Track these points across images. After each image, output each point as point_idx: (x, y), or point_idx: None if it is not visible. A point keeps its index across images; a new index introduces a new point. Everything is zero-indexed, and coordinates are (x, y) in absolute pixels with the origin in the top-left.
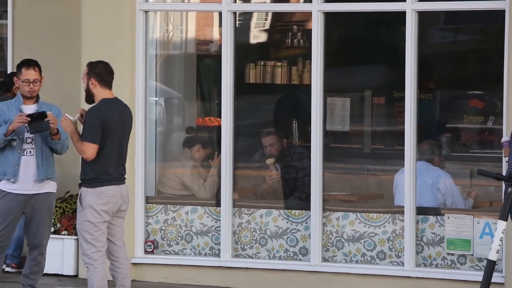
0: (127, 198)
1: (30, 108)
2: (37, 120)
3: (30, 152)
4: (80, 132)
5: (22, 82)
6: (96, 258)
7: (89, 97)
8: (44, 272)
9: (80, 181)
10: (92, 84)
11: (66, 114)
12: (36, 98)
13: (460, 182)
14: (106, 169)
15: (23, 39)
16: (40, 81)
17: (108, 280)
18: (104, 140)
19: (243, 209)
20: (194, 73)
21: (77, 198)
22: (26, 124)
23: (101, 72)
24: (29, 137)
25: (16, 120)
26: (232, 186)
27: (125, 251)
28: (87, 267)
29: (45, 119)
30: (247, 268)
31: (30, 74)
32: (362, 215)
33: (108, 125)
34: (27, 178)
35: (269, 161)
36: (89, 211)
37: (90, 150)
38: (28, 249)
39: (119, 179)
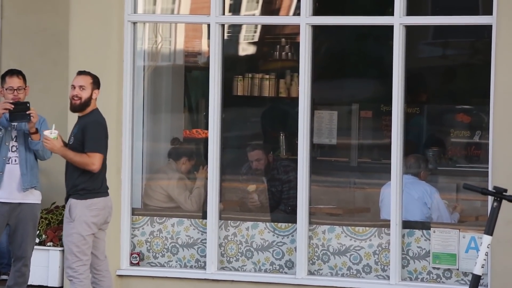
0: (112, 210)
1: None
2: (19, 111)
3: (15, 160)
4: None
5: (6, 89)
6: (81, 271)
7: (83, 107)
8: (29, 283)
9: (68, 193)
10: (94, 95)
11: (45, 133)
12: None
13: (446, 196)
14: (100, 180)
15: (11, 49)
16: (25, 89)
17: None
18: (105, 152)
19: (229, 221)
20: (182, 85)
21: (63, 210)
22: (8, 113)
23: (99, 85)
24: (14, 145)
25: (0, 106)
26: (218, 199)
27: (107, 263)
28: (71, 280)
29: (27, 112)
30: (233, 281)
31: (13, 81)
32: (348, 229)
33: (107, 136)
34: (11, 187)
35: (251, 188)
36: (79, 223)
37: (99, 160)
38: (12, 260)
39: (107, 190)
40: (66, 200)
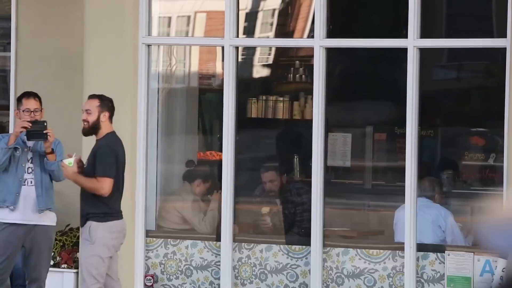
0: (126, 232)
1: None
2: (36, 130)
3: (31, 182)
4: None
5: (23, 111)
6: None
7: (94, 130)
8: None
9: (86, 216)
10: (104, 117)
11: (63, 161)
12: None
13: (461, 219)
14: (116, 203)
15: (26, 72)
16: (41, 111)
17: None
18: (116, 175)
19: (243, 243)
20: (196, 107)
21: (77, 231)
22: (25, 132)
23: (112, 107)
24: (30, 167)
25: (18, 125)
26: (232, 221)
27: (120, 285)
28: None
29: (44, 131)
30: None
31: (30, 103)
32: (362, 251)
33: (118, 159)
34: (26, 208)
35: (265, 210)
36: (99, 246)
37: (108, 185)
38: (27, 282)
39: (121, 213)
40: (84, 222)
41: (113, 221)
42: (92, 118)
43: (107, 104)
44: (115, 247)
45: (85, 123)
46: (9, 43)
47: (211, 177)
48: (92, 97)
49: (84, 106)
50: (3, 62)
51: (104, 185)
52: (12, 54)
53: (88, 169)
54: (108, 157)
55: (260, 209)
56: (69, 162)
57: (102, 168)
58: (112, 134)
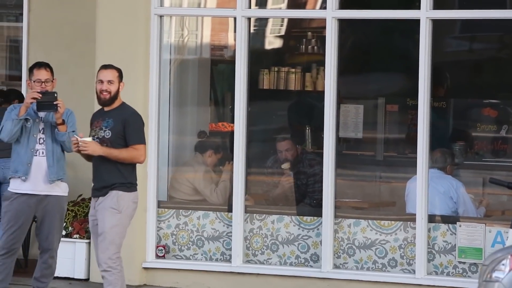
0: None
1: None
2: (46, 101)
3: (42, 152)
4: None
5: (34, 82)
6: (119, 262)
7: (112, 101)
8: (55, 275)
9: (112, 185)
10: (121, 88)
11: (80, 140)
12: None
13: (473, 190)
14: (135, 174)
15: (38, 42)
16: (52, 81)
17: None
18: None
19: (254, 214)
20: (208, 78)
21: (89, 202)
22: (35, 103)
23: None
24: (42, 138)
25: (28, 96)
26: (244, 192)
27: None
28: (109, 270)
29: (54, 102)
30: (258, 274)
31: (41, 74)
32: (373, 222)
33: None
34: (38, 179)
35: (285, 165)
36: (125, 215)
37: (145, 152)
38: (39, 252)
39: None
40: (107, 192)
41: (135, 192)
42: (114, 89)
43: (122, 75)
44: (131, 218)
45: (105, 93)
46: (21, 14)
47: (223, 148)
48: (110, 67)
49: (105, 77)
50: (15, 33)
51: (143, 152)
52: (24, 24)
53: (113, 139)
54: (141, 125)
55: (272, 180)
56: (88, 139)
57: (137, 136)
58: (127, 104)
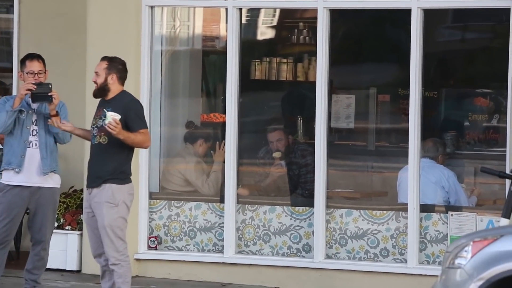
0: None
1: None
2: (41, 92)
3: (35, 144)
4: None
5: (27, 73)
6: (127, 254)
7: (103, 92)
8: (47, 267)
9: (104, 178)
10: (111, 79)
11: (114, 116)
12: None
13: (464, 179)
14: (130, 164)
15: (29, 34)
16: (45, 73)
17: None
18: None
19: (246, 205)
20: (200, 69)
21: (81, 193)
22: (30, 94)
23: (122, 69)
24: (35, 129)
25: (23, 87)
26: (236, 183)
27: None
28: (118, 263)
29: (49, 93)
30: (251, 264)
31: (34, 65)
32: (365, 212)
33: None
34: (31, 170)
35: (277, 154)
36: (122, 207)
37: (150, 137)
38: (31, 244)
39: None
40: (100, 184)
41: (130, 183)
42: (100, 80)
43: (115, 66)
44: (130, 208)
45: (94, 84)
46: (12, 5)
47: (214, 139)
48: (102, 59)
49: (95, 68)
50: (6, 24)
51: (148, 137)
52: (15, 16)
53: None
54: (141, 110)
55: (263, 170)
56: (106, 118)
57: (141, 121)
58: (127, 92)
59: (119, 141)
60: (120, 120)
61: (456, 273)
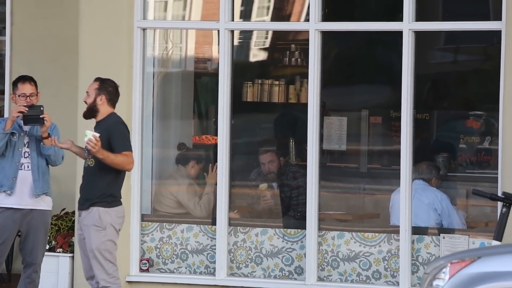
0: None
1: None
2: (33, 114)
3: (27, 166)
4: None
5: (19, 96)
6: (117, 276)
7: (92, 113)
8: None
9: (91, 201)
10: (100, 100)
11: (91, 136)
12: None
13: (456, 202)
14: (120, 187)
15: (21, 56)
16: (37, 95)
17: None
18: None
19: (238, 227)
20: (192, 91)
21: (72, 216)
22: (21, 116)
23: (113, 91)
24: (26, 151)
25: (14, 109)
26: (228, 205)
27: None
28: (108, 286)
29: (41, 116)
30: (242, 287)
31: (26, 88)
32: (357, 235)
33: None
34: (23, 193)
35: (263, 186)
36: (110, 230)
37: (133, 159)
38: (23, 266)
39: None
40: (88, 207)
41: (119, 206)
42: (89, 100)
43: (106, 87)
44: (119, 231)
45: (86, 104)
46: (4, 28)
47: (206, 160)
48: (95, 79)
49: (87, 88)
50: None
51: (131, 160)
52: (7, 38)
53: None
54: (126, 133)
55: (256, 192)
56: (86, 135)
57: (124, 143)
58: (116, 115)
59: (105, 164)
60: (102, 139)
61: None
